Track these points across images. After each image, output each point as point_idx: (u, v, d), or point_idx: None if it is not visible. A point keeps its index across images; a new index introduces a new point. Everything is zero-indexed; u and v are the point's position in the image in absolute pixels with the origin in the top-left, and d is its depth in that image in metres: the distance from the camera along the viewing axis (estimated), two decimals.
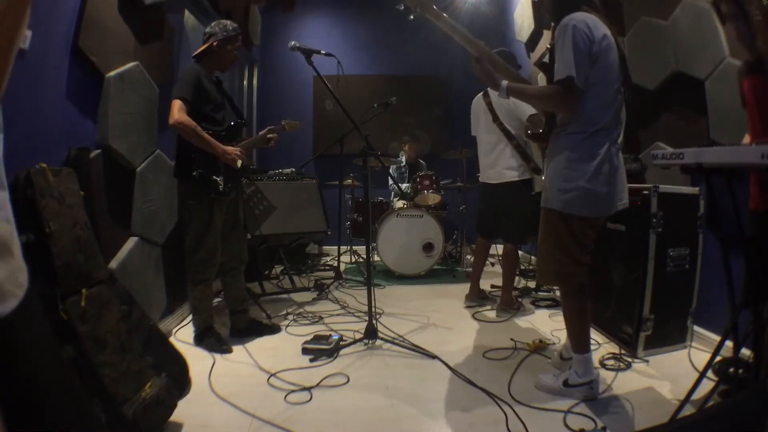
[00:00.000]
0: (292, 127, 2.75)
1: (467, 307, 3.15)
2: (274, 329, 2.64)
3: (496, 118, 2.71)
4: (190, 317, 2.91)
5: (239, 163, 2.36)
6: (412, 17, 1.90)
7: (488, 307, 3.18)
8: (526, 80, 2.06)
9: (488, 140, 3.02)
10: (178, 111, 2.15)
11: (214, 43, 2.36)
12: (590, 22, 1.68)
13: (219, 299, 3.35)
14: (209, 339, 2.40)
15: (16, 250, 0.68)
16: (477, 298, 3.22)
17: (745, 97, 1.69)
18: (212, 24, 2.42)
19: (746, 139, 1.75)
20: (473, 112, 3.19)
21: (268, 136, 2.60)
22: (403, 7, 1.88)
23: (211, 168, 2.28)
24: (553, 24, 1.84)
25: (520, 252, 3.16)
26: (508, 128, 2.89)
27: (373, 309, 2.52)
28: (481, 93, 3.10)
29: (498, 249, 3.34)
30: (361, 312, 3.04)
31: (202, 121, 2.24)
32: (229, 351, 2.36)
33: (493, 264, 3.29)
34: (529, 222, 2.67)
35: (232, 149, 2.33)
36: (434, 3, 1.87)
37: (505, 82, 1.81)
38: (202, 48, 2.38)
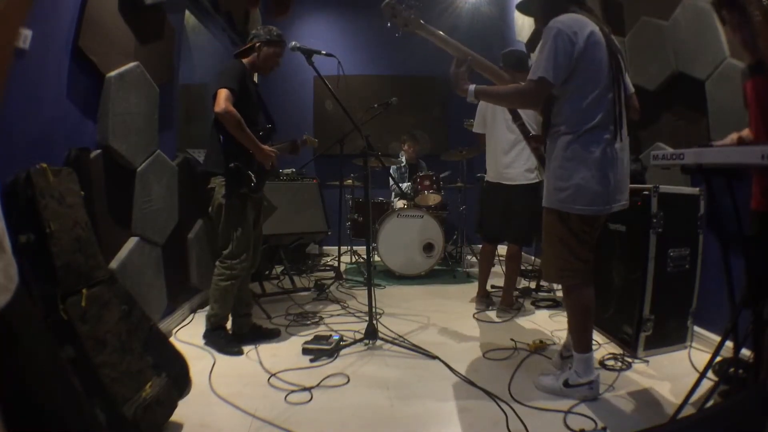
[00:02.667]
0: (312, 143, 2.83)
1: (479, 311, 3.13)
2: (274, 333, 2.62)
3: (517, 118, 2.70)
4: (190, 317, 2.91)
5: (271, 163, 2.39)
6: (398, 34, 1.94)
7: (489, 307, 3.18)
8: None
9: (506, 139, 2.93)
10: (225, 100, 2.14)
11: (257, 44, 2.38)
12: (575, 23, 1.70)
13: None
14: (220, 339, 2.39)
15: (7, 246, 0.70)
16: (486, 300, 3.21)
17: (747, 98, 1.69)
18: (258, 27, 2.46)
19: (734, 135, 1.75)
20: (483, 110, 3.09)
21: (296, 144, 2.65)
22: (390, 25, 1.91)
23: (246, 163, 2.29)
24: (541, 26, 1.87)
25: (522, 252, 3.15)
26: (529, 129, 2.83)
27: (374, 309, 2.52)
28: None
29: (499, 249, 3.33)
30: (361, 312, 3.04)
31: (242, 117, 2.22)
32: (240, 353, 2.34)
33: (493, 264, 3.27)
34: (535, 223, 2.66)
35: (269, 149, 2.35)
36: (434, 5, 1.90)
37: (472, 87, 1.83)
38: (245, 47, 2.41)
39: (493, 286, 3.49)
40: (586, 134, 1.72)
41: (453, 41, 1.97)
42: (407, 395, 1.93)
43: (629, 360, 2.20)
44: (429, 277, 4.13)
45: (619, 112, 1.76)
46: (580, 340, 1.88)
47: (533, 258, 4.24)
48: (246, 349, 2.39)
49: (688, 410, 1.52)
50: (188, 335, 2.59)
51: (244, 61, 2.40)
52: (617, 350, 2.32)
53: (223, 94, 2.15)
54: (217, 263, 2.39)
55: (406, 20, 1.91)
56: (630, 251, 2.33)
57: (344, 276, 4.05)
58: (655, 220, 2.19)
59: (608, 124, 1.74)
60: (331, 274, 4.10)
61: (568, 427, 1.64)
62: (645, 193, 2.23)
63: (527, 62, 2.90)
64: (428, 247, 4.08)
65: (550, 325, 2.83)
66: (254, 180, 2.31)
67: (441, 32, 1.97)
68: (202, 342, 2.45)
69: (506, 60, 2.79)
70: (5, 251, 0.69)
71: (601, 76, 1.72)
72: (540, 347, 2.38)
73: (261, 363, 2.23)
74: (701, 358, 2.08)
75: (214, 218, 2.39)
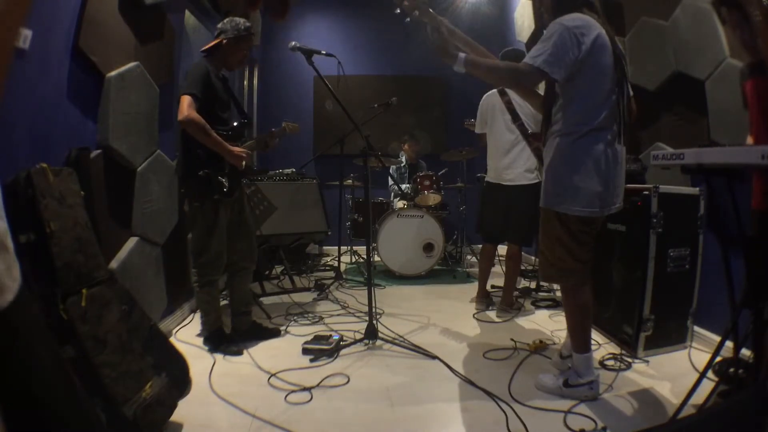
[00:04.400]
0: (292, 129, 2.74)
1: (479, 311, 3.13)
2: (274, 333, 2.62)
3: (517, 119, 2.67)
4: (190, 317, 2.91)
5: (243, 164, 2.34)
6: (408, 20, 1.92)
7: (489, 307, 3.18)
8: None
9: (506, 139, 2.93)
10: (188, 107, 2.10)
11: (224, 41, 2.33)
12: (583, 23, 1.68)
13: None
14: (219, 341, 2.39)
15: (10, 246, 0.70)
16: (486, 300, 3.21)
17: (747, 99, 1.69)
18: (225, 21, 2.37)
19: (749, 139, 1.75)
20: (483, 110, 3.09)
21: (269, 139, 2.57)
22: (399, 11, 1.89)
23: (217, 168, 2.25)
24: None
25: (522, 252, 3.15)
26: (528, 130, 2.82)
27: (374, 309, 2.52)
28: (494, 91, 3.00)
29: (499, 249, 3.33)
30: (361, 312, 3.03)
31: (209, 119, 2.19)
32: (240, 353, 2.34)
33: (493, 264, 3.27)
34: (535, 223, 2.66)
35: (238, 150, 2.30)
36: (434, 4, 1.89)
37: (462, 55, 1.77)
38: (212, 44, 2.36)
39: (493, 286, 3.49)
40: (587, 135, 1.72)
41: (459, 32, 1.94)
42: (407, 395, 1.93)
43: (629, 360, 2.20)
44: (429, 277, 4.13)
45: (622, 115, 1.75)
46: (579, 340, 1.88)
47: (533, 258, 4.24)
48: (246, 348, 2.40)
49: (688, 410, 1.52)
50: (188, 335, 2.59)
51: (213, 58, 2.35)
52: (617, 350, 2.32)
53: (185, 101, 2.11)
54: (193, 270, 2.39)
55: (416, 6, 1.89)
56: (630, 251, 2.33)
57: (344, 276, 4.05)
58: (655, 220, 2.19)
59: (610, 126, 1.73)
60: (331, 274, 4.10)
61: (568, 427, 1.64)
62: (645, 193, 2.23)
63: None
64: (428, 247, 4.08)
65: (550, 325, 2.83)
66: (226, 185, 2.27)
67: (447, 21, 1.95)
68: (202, 344, 2.45)
69: (504, 59, 2.79)
70: (8, 251, 0.70)
71: (606, 79, 1.71)
72: (540, 347, 2.38)
73: (261, 363, 2.23)
74: (701, 358, 2.08)
75: (188, 224, 2.37)
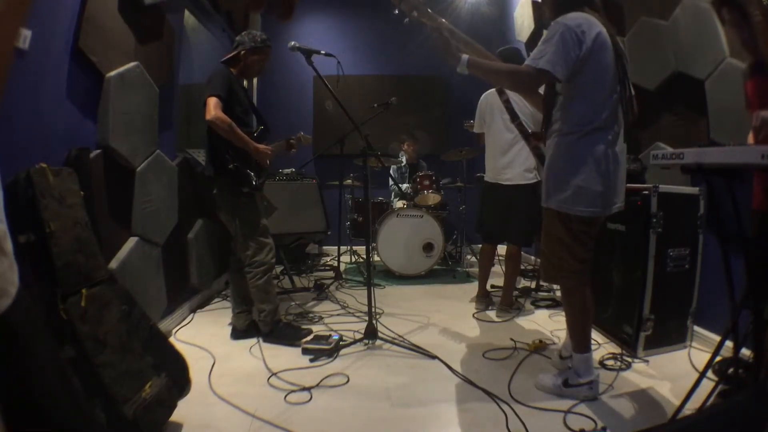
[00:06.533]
0: (306, 141, 2.94)
1: (478, 311, 3.12)
2: (306, 332, 2.62)
3: (515, 118, 2.68)
4: (190, 317, 2.91)
5: (268, 162, 2.49)
6: (406, 20, 1.91)
7: (489, 307, 3.18)
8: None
9: (504, 139, 2.93)
10: (214, 107, 2.21)
11: (242, 52, 2.44)
12: (584, 22, 1.68)
13: (218, 299, 3.36)
14: (285, 331, 2.48)
15: (9, 249, 0.70)
16: (486, 299, 3.21)
17: (748, 99, 1.69)
18: (243, 33, 2.50)
19: (750, 138, 1.75)
20: (482, 110, 3.09)
21: (290, 142, 2.76)
22: (397, 12, 1.89)
23: (244, 164, 2.36)
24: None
25: (522, 252, 3.15)
26: (527, 129, 2.82)
27: (373, 309, 2.52)
28: (493, 90, 2.97)
29: (499, 249, 3.33)
30: (361, 312, 3.03)
31: (233, 122, 2.29)
32: (310, 332, 2.52)
33: (493, 264, 3.27)
34: (535, 223, 2.65)
35: (264, 147, 2.44)
36: (434, 4, 1.88)
37: (465, 56, 1.77)
38: (231, 55, 2.47)
39: (493, 286, 3.48)
40: (589, 135, 1.72)
41: (458, 32, 1.94)
42: (407, 395, 1.93)
43: (629, 360, 2.20)
44: (429, 277, 4.13)
45: (623, 114, 1.75)
46: (579, 340, 1.88)
47: (533, 258, 4.24)
48: (246, 348, 2.40)
49: (688, 410, 1.52)
50: (188, 335, 2.59)
51: (231, 68, 2.45)
52: (617, 350, 2.32)
53: (212, 102, 2.22)
54: (246, 268, 2.45)
55: (414, 6, 1.89)
56: (630, 251, 2.33)
57: (344, 276, 4.05)
58: (654, 220, 2.19)
59: (612, 126, 1.73)
60: (331, 274, 4.10)
61: (568, 427, 1.64)
62: (645, 192, 2.23)
63: (520, 58, 2.89)
64: (428, 247, 4.08)
65: (550, 324, 2.83)
66: (255, 178, 2.38)
67: (446, 21, 1.94)
68: (206, 343, 2.46)
69: (500, 58, 2.79)
70: (7, 255, 0.69)
71: (608, 78, 1.71)
72: (540, 347, 2.37)
73: (261, 363, 2.23)
74: (701, 358, 2.08)
75: (228, 226, 2.48)
